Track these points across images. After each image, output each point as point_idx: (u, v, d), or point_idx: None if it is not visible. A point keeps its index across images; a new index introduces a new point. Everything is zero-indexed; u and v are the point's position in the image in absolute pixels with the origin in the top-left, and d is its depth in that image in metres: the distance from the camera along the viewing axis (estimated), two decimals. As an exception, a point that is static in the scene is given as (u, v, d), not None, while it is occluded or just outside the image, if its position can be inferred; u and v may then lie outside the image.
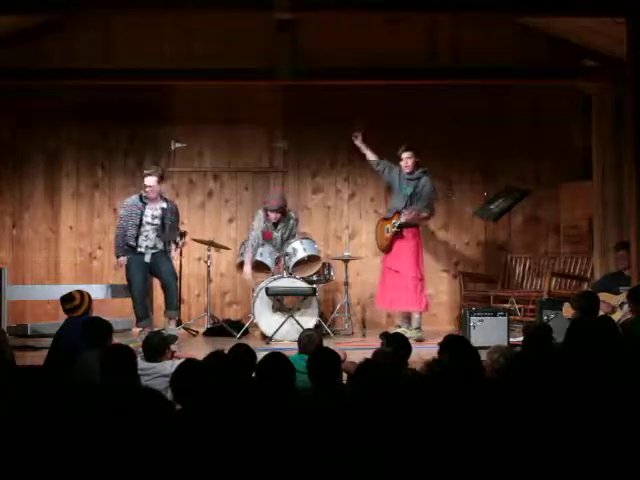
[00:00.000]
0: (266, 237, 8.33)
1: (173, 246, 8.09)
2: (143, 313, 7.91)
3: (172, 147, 9.29)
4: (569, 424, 3.22)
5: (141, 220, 7.85)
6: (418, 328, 7.88)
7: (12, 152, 9.41)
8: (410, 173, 8.02)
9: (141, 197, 7.95)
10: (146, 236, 7.88)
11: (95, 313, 6.09)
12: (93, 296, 8.42)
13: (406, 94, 9.07)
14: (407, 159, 8.02)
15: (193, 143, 9.43)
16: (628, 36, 6.92)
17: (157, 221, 7.91)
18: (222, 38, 8.67)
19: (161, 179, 7.97)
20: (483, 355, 4.92)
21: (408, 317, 8.07)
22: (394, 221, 7.94)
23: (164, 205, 7.97)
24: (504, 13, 8.07)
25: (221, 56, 8.50)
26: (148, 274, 8.01)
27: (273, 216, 8.30)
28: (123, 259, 7.89)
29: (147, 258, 7.89)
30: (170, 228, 7.99)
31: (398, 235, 7.91)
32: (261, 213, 8.40)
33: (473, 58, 8.80)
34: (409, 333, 7.52)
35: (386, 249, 8.04)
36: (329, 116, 9.36)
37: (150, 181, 7.88)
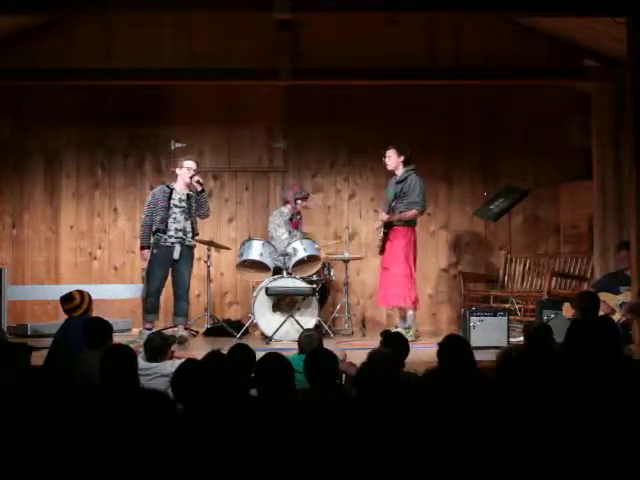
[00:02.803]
0: (294, 226, 8.58)
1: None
2: (154, 308, 7.88)
3: (172, 147, 9.29)
4: (569, 424, 3.22)
5: (169, 203, 7.87)
6: (409, 327, 7.82)
7: (12, 152, 9.41)
8: (395, 174, 7.96)
9: (167, 185, 8.01)
10: (174, 218, 7.88)
11: (95, 313, 6.09)
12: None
13: (406, 94, 9.08)
14: (387, 157, 7.95)
15: (193, 143, 9.43)
16: (628, 36, 6.92)
17: (184, 204, 7.93)
18: (222, 38, 8.66)
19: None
20: (482, 355, 4.94)
21: (404, 317, 8.06)
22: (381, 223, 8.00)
23: (190, 192, 8.00)
24: (504, 13, 8.07)
25: (221, 56, 8.50)
26: (169, 271, 7.94)
27: (303, 204, 8.64)
28: (147, 252, 7.87)
29: (176, 254, 7.84)
30: (197, 207, 8.02)
31: (387, 236, 7.93)
32: (283, 210, 8.62)
33: (473, 58, 8.80)
34: (402, 332, 7.46)
35: (381, 251, 8.07)
36: (329, 116, 9.38)
37: (193, 164, 7.98)
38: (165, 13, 8.30)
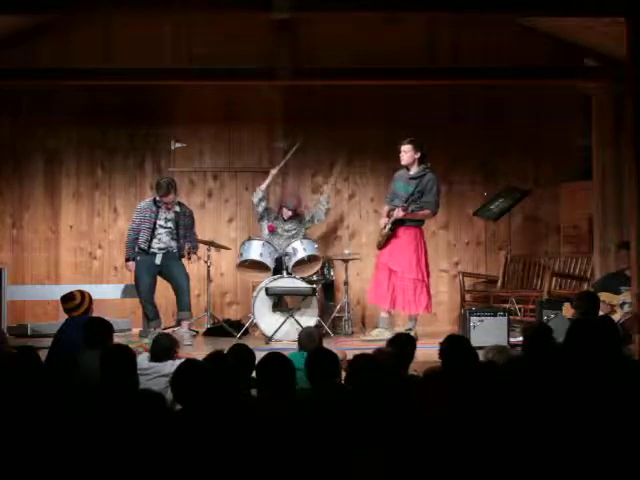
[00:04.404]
0: (270, 229, 8.60)
1: (188, 250, 8.07)
2: (153, 314, 7.90)
3: (172, 147, 9.28)
4: (569, 425, 3.22)
5: (155, 224, 7.87)
6: (410, 329, 7.78)
7: (12, 152, 9.40)
8: (408, 170, 7.91)
9: (155, 200, 7.97)
10: (159, 239, 7.90)
11: (95, 313, 6.09)
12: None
13: (406, 94, 9.07)
14: (403, 152, 7.90)
15: (193, 143, 9.43)
16: (628, 36, 6.91)
17: (170, 224, 7.95)
18: (222, 38, 8.67)
19: (175, 190, 8.00)
20: (482, 355, 4.93)
21: (389, 319, 8.01)
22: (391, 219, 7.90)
23: (177, 209, 8.01)
24: (504, 13, 8.07)
25: (221, 56, 8.49)
26: (156, 276, 7.98)
27: (289, 214, 8.64)
28: (132, 264, 7.91)
29: (158, 260, 7.89)
30: (185, 232, 8.00)
31: (393, 233, 7.85)
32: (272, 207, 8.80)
33: (473, 58, 8.80)
34: (387, 334, 7.33)
35: (382, 246, 7.98)
36: (329, 116, 9.37)
37: (171, 198, 7.91)
38: (165, 13, 8.28)
